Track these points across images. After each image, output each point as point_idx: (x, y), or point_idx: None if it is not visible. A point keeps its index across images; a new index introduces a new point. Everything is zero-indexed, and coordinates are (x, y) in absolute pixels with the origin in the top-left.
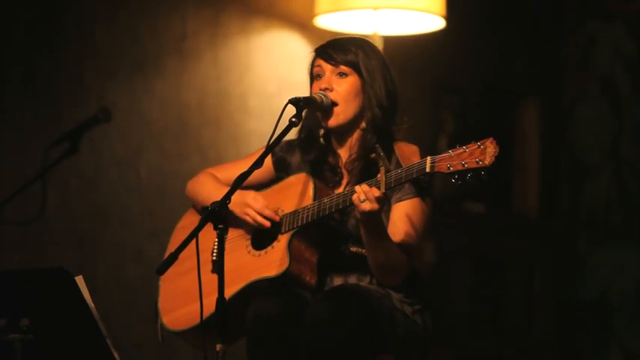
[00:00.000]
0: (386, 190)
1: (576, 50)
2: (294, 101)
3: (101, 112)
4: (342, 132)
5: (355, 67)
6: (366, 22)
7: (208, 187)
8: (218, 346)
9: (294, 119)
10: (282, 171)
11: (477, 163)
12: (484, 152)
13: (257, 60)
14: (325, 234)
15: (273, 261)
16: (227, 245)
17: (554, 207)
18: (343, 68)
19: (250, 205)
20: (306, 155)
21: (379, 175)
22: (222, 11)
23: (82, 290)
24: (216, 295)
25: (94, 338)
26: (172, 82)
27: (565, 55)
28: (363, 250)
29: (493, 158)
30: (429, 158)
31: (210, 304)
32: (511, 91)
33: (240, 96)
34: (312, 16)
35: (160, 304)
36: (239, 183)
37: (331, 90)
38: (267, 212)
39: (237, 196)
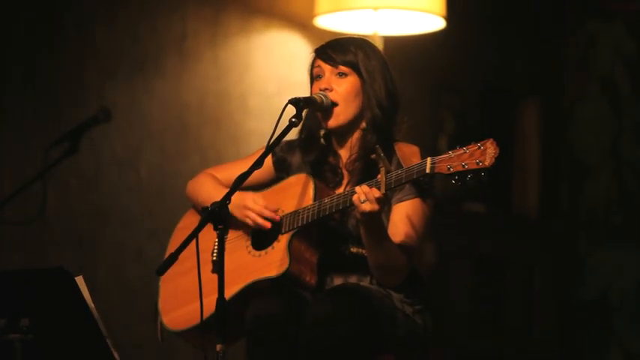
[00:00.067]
0: (386, 190)
1: (576, 50)
2: (294, 101)
3: (101, 112)
4: (343, 132)
5: (355, 68)
6: (366, 22)
7: (208, 188)
8: (218, 346)
9: (294, 119)
10: (282, 171)
11: (477, 164)
12: (484, 153)
13: (257, 60)
14: (325, 234)
15: (274, 261)
16: (227, 245)
17: (554, 207)
18: (343, 68)
19: (250, 207)
20: (307, 156)
21: (379, 176)
22: (222, 11)
23: (82, 290)
24: (216, 295)
25: (94, 338)
26: (172, 82)
27: (565, 55)
28: (364, 251)
29: (493, 159)
30: (429, 159)
31: (210, 304)
32: (511, 91)
33: (240, 96)
34: (312, 16)
35: (160, 304)
36: (239, 183)
37: (331, 90)
38: (267, 213)
39: (237, 199)
